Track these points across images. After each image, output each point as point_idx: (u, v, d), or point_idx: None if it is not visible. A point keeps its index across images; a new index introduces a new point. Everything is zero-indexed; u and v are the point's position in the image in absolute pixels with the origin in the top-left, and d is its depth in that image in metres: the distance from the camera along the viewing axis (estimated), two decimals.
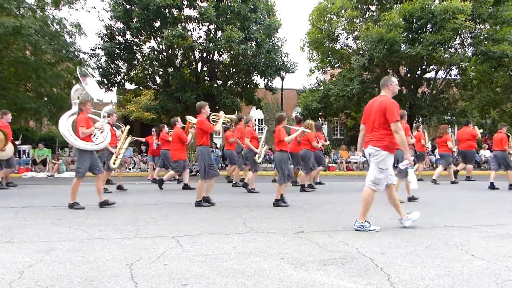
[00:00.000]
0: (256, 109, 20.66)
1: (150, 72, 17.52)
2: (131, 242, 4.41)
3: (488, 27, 17.86)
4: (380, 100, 5.11)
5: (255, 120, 24.75)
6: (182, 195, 8.71)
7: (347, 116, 23.50)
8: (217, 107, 17.64)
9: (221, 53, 16.73)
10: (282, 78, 19.27)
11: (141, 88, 19.27)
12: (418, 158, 11.55)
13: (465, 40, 17.92)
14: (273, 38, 17.69)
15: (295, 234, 4.85)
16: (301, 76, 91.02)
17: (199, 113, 7.27)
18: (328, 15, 20.13)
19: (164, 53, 17.07)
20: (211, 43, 15.43)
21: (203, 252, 3.99)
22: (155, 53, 16.95)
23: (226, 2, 15.40)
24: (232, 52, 15.41)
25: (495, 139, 10.46)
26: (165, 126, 11.63)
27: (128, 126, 10.15)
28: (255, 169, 9.69)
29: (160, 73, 17.56)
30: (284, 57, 18.14)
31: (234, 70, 17.71)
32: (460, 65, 18.74)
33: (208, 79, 17.58)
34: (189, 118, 9.29)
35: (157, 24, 15.62)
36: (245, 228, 5.19)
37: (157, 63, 16.93)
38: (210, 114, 7.72)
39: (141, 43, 16.87)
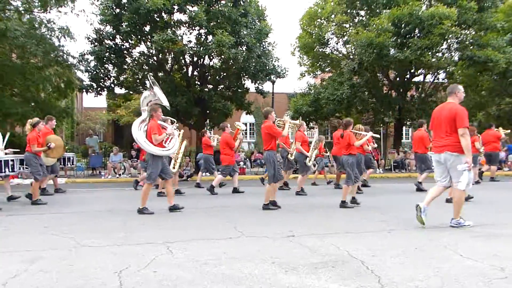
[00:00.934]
0: (247, 113, 20.68)
1: (140, 77, 17.42)
2: (120, 249, 4.39)
3: (473, 32, 18.14)
4: (450, 107, 5.37)
5: (246, 125, 24.53)
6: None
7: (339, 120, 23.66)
8: (207, 111, 17.62)
9: (211, 57, 16.71)
10: (273, 82, 19.31)
11: (131, 92, 19.17)
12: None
13: (451, 45, 18.18)
14: (263, 43, 17.72)
15: (286, 238, 4.87)
16: (292, 80, 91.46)
17: (266, 118, 7.39)
18: (319, 20, 20.27)
19: (154, 58, 17.00)
20: (201, 48, 15.41)
21: (194, 258, 3.98)
22: (145, 57, 16.87)
23: (216, 6, 15.40)
24: (223, 56, 15.40)
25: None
26: (207, 131, 12.00)
27: (182, 130, 10.11)
28: (305, 172, 9.93)
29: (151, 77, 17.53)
30: (275, 61, 18.19)
31: (224, 74, 17.69)
32: (447, 69, 19.01)
33: (198, 83, 17.54)
34: (239, 124, 9.55)
35: (147, 28, 15.55)
36: (236, 233, 5.19)
37: (147, 68, 16.83)
38: (276, 119, 7.86)
39: (131, 47, 16.78)
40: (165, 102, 7.30)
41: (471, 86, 20.73)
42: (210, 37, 15.72)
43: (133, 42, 16.53)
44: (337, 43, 20.95)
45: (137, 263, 3.78)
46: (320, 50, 20.84)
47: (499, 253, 4.04)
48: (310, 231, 5.27)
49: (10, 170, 8.36)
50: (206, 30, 15.61)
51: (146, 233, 5.24)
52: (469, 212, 6.95)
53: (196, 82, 17.76)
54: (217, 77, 18.04)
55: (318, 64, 21.89)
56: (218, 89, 18.04)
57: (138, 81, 17.63)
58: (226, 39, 14.18)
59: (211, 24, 15.35)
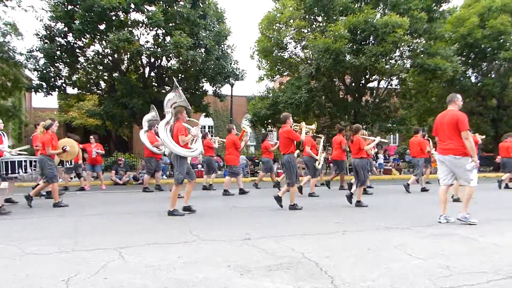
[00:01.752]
0: (205, 116, 20.50)
1: (94, 77, 16.83)
2: (69, 255, 4.19)
3: (424, 41, 19.00)
4: (452, 114, 5.96)
5: (204, 127, 24.36)
6: (127, 205, 8.42)
7: (297, 123, 23.97)
8: (164, 113, 17.30)
9: (169, 58, 16.47)
10: (232, 85, 19.32)
11: (85, 93, 18.49)
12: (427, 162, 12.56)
13: (403, 52, 18.92)
14: (222, 45, 17.69)
15: (243, 241, 4.85)
16: (251, 84, 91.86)
17: (284, 123, 7.77)
18: (277, 24, 20.48)
19: (110, 57, 16.49)
20: (159, 48, 15.14)
21: (147, 263, 3.87)
22: (100, 57, 16.32)
23: (175, 7, 15.19)
24: (181, 58, 15.21)
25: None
26: (208, 134, 12.26)
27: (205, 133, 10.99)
28: (315, 175, 10.36)
29: (105, 77, 16.93)
30: (234, 64, 18.20)
31: (183, 76, 17.47)
32: (400, 76, 19.77)
33: (156, 84, 17.22)
34: (244, 126, 10.03)
35: (102, 27, 15.09)
36: (192, 237, 5.11)
37: (101, 67, 16.30)
38: (292, 124, 8.14)
39: (85, 46, 16.19)
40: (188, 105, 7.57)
41: (421, 93, 21.71)
42: (168, 38, 15.49)
43: (86, 40, 15.95)
44: (295, 48, 21.27)
45: (86, 270, 3.62)
46: (279, 54, 21.05)
47: (444, 252, 4.22)
48: (267, 233, 5.28)
49: (24, 171, 8.33)
50: (164, 31, 15.38)
51: (97, 238, 5.05)
52: (420, 213, 7.24)
53: (153, 83, 17.42)
54: (174, 79, 17.81)
55: (276, 68, 22.10)
56: None
57: (91, 81, 17.03)
58: (184, 41, 14.03)
59: (169, 25, 15.12)
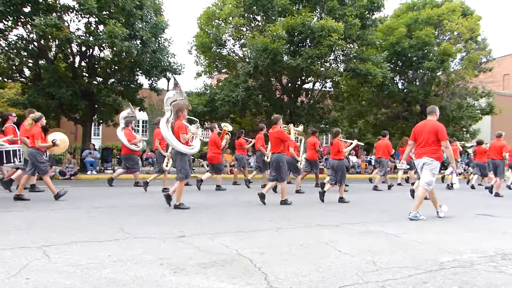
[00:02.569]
0: (140, 110, 19.80)
1: (17, 63, 15.51)
2: None
3: (357, 47, 19.95)
4: (432, 124, 6.73)
5: (139, 122, 23.58)
6: (52, 202, 7.89)
7: (232, 121, 23.97)
8: (96, 105, 16.49)
9: (102, 48, 15.64)
10: (168, 79, 18.83)
11: (6, 80, 17.01)
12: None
13: (338, 56, 19.69)
14: (159, 38, 17.18)
15: (176, 238, 4.75)
16: (189, 79, 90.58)
17: (275, 124, 8.27)
18: (216, 21, 20.34)
19: (35, 43, 15.28)
20: (91, 37, 14.31)
21: (74, 262, 3.65)
22: (24, 42, 15.06)
23: None
24: (115, 48, 14.52)
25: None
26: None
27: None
28: (298, 173, 10.84)
29: (30, 65, 15.67)
30: (171, 58, 17.76)
31: (116, 67, 16.69)
32: (334, 79, 20.51)
33: (87, 75, 16.28)
34: (226, 125, 10.34)
35: (27, 9, 13.95)
36: (123, 234, 4.90)
37: (26, 54, 15.05)
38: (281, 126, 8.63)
39: (6, 29, 14.83)
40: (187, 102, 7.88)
41: (353, 96, 22.77)
42: (101, 27, 14.72)
43: (9, 23, 14.63)
44: (234, 45, 21.29)
45: (6, 270, 3.34)
46: (217, 50, 20.95)
47: (372, 248, 4.45)
48: (202, 230, 5.22)
49: (18, 160, 8.19)
50: (97, 19, 14.57)
51: (18, 236, 4.67)
52: (350, 212, 7.57)
53: (84, 73, 16.47)
54: (108, 70, 16.96)
55: (214, 65, 21.96)
56: (109, 83, 16.96)
57: (14, 67, 15.71)
58: (119, 31, 13.42)
59: (103, 13, 14.37)
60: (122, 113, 11.94)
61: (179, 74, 17.93)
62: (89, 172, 15.15)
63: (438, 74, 23.31)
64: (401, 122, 24.58)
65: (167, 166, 10.44)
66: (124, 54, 14.87)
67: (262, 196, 7.98)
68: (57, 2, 14.39)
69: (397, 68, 23.39)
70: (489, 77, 25.44)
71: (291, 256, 4.04)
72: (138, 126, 29.39)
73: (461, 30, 22.08)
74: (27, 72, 16.37)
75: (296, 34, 17.71)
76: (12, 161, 8.07)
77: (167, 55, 17.26)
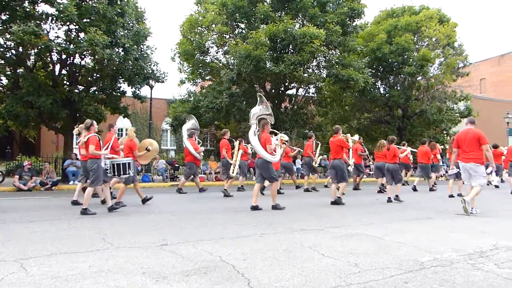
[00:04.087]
0: (124, 117, 19.63)
1: None
2: None
3: (338, 53, 20.23)
4: (474, 132, 7.76)
5: (122, 130, 23.39)
6: (31, 212, 7.74)
7: (217, 128, 24.01)
8: (77, 114, 16.27)
9: (83, 56, 15.48)
10: (151, 87, 18.78)
11: None
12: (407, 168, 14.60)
13: (320, 62, 19.93)
14: (142, 46, 17.11)
15: (159, 247, 4.70)
16: (172, 86, 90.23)
17: (336, 134, 9.66)
18: (199, 28, 20.39)
19: (13, 51, 15.04)
20: (71, 45, 14.16)
21: (53, 274, 3.58)
22: (1, 49, 14.80)
23: (89, 2, 14.34)
24: (96, 56, 14.38)
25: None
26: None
27: (239, 139, 12.50)
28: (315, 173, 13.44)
29: (8, 73, 15.40)
30: (154, 66, 17.70)
31: (98, 75, 16.55)
32: (317, 85, 20.78)
33: (67, 83, 16.07)
34: (282, 136, 10.60)
35: (4, 17, 13.72)
36: (105, 244, 4.83)
37: (3, 62, 14.78)
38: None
39: None
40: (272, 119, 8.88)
41: (336, 101, 23.03)
42: (82, 35, 14.58)
43: None
44: (217, 53, 21.36)
45: None
46: (201, 58, 20.97)
47: (354, 251, 4.48)
48: (185, 238, 5.18)
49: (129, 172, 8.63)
50: (77, 27, 14.43)
51: None
52: (333, 215, 7.62)
53: (65, 82, 16.26)
54: (89, 78, 16.78)
55: (198, 72, 21.98)
56: (90, 91, 16.77)
57: None
58: (100, 38, 13.30)
59: (83, 20, 14.24)
60: (186, 124, 13.16)
61: (162, 82, 17.88)
62: (71, 182, 14.89)
63: (418, 78, 23.81)
64: (383, 126, 24.93)
65: (233, 172, 11.72)
66: (105, 62, 14.74)
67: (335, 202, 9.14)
68: (36, 9, 14.19)
69: (379, 74, 23.78)
70: (467, 81, 26.10)
71: (274, 261, 4.04)
72: (121, 135, 29.11)
73: (439, 36, 22.62)
74: (4, 80, 16.07)
75: (278, 41, 17.86)
76: (127, 173, 8.54)
77: (149, 63, 17.20)
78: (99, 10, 13.89)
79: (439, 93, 23.86)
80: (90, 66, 16.13)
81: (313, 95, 22.52)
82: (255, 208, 8.07)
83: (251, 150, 12.60)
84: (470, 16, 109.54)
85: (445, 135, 24.76)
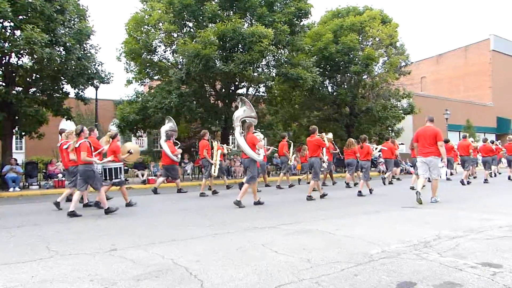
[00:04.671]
0: (67, 120, 18.70)
1: None
2: None
3: (287, 52, 20.50)
4: (432, 129, 8.66)
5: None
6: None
7: None
8: (16, 117, 15.31)
9: (20, 55, 14.57)
10: (96, 88, 18.04)
11: None
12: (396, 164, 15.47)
13: (269, 62, 20.07)
14: (85, 45, 16.38)
15: (108, 252, 4.52)
16: (119, 87, 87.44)
17: (313, 133, 10.06)
18: (146, 26, 19.84)
19: None
20: (6, 43, 13.29)
21: None
22: None
23: None
24: (35, 55, 13.58)
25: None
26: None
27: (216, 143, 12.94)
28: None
29: None
30: (98, 65, 17.01)
31: (38, 76, 15.63)
32: (266, 84, 20.92)
33: (3, 84, 15.06)
34: (258, 134, 11.35)
35: None
36: (49, 253, 4.58)
37: None
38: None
39: None
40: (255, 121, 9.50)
41: (286, 100, 23.33)
42: (18, 32, 13.71)
43: None
44: (165, 52, 20.89)
45: None
46: (148, 57, 20.42)
47: (306, 247, 4.55)
48: (135, 242, 5.02)
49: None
50: (12, 24, 13.55)
51: None
52: (286, 212, 7.70)
53: (1, 83, 15.24)
54: (28, 79, 15.82)
55: (146, 72, 21.37)
56: (30, 93, 15.83)
57: None
58: (38, 36, 12.57)
59: (19, 17, 13.40)
60: (164, 126, 13.51)
61: (108, 82, 17.24)
62: (11, 189, 14.00)
63: (363, 77, 24.65)
64: (332, 123, 25.59)
65: (214, 172, 12.26)
66: (45, 61, 13.95)
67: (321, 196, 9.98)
68: None
69: (326, 72, 24.36)
70: (409, 79, 27.43)
71: (227, 261, 4.02)
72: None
73: (382, 36, 23.58)
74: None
75: (227, 40, 17.79)
76: (119, 177, 9.13)
77: (94, 63, 16.50)
78: (36, 7, 13.10)
79: (384, 91, 24.86)
80: (28, 66, 15.21)
81: (263, 94, 22.67)
82: (258, 203, 8.84)
83: (227, 151, 13.56)
84: (411, 17, 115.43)
85: (390, 131, 25.85)
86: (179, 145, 13.14)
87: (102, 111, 24.82)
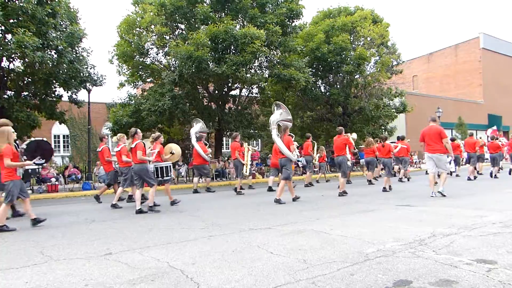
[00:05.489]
0: (60, 123, 18.58)
1: None
2: None
3: (279, 53, 20.53)
4: (436, 127, 9.43)
5: (59, 137, 22.35)
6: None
7: (161, 131, 23.41)
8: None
9: (11, 59, 14.46)
10: (89, 91, 17.94)
11: None
12: (402, 162, 15.44)
13: (262, 63, 20.09)
14: (77, 48, 16.31)
15: (102, 256, 4.50)
16: (112, 90, 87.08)
17: (340, 134, 11.03)
18: (138, 29, 19.76)
19: None
20: None
21: None
22: None
23: (16, 1, 13.41)
24: (26, 59, 13.50)
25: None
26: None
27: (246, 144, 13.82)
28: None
29: None
30: (91, 68, 16.93)
31: (29, 79, 15.54)
32: (259, 85, 20.90)
33: None
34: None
35: None
36: (43, 258, 4.55)
37: None
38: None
39: None
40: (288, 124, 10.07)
41: (279, 101, 23.31)
42: (9, 36, 13.62)
43: None
44: (157, 54, 20.83)
45: None
46: (140, 59, 20.35)
47: (302, 247, 4.56)
48: (130, 246, 4.99)
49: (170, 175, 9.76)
50: (3, 28, 13.46)
51: None
52: (280, 213, 7.70)
53: None
54: (19, 83, 15.71)
55: (138, 74, 21.30)
56: (22, 96, 15.71)
57: None
58: (30, 40, 12.50)
59: (10, 21, 13.31)
60: (194, 128, 13.78)
61: (100, 85, 17.16)
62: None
63: (356, 77, 24.75)
64: (325, 123, 25.65)
65: (246, 172, 13.20)
66: (37, 65, 13.87)
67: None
68: None
69: (319, 73, 24.43)
70: (401, 78, 27.59)
71: (223, 263, 4.01)
72: (58, 142, 27.59)
73: (373, 36, 23.68)
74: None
75: (219, 41, 17.77)
76: (169, 175, 9.64)
77: (86, 66, 16.44)
78: (28, 11, 13.04)
79: (376, 90, 24.96)
80: (20, 70, 15.11)
81: (256, 95, 22.66)
82: (277, 201, 9.19)
83: (253, 151, 14.62)
84: (401, 17, 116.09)
85: (383, 130, 25.95)
86: (208, 145, 13.90)
87: (95, 114, 24.73)
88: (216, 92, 20.93)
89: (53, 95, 16.56)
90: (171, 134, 22.41)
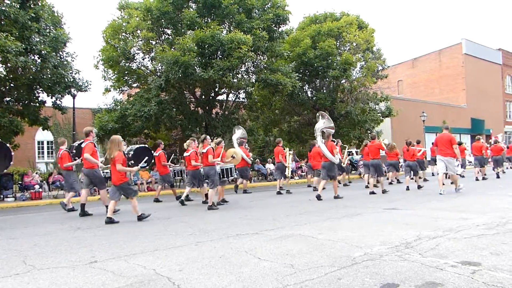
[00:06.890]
0: (43, 129, 18.30)
1: None
2: None
3: (266, 59, 20.60)
4: (447, 134, 11.08)
5: (43, 143, 22.03)
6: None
7: (147, 137, 23.25)
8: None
9: None
10: (74, 96, 17.72)
11: None
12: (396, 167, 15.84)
13: (249, 68, 20.15)
14: (61, 53, 16.12)
15: (88, 264, 4.42)
16: (97, 95, 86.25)
17: (373, 139, 12.49)
18: (123, 34, 19.64)
19: None
20: None
21: None
22: None
23: None
24: (8, 64, 13.30)
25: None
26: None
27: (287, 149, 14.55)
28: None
29: None
30: (75, 73, 16.74)
31: (12, 85, 15.31)
32: (246, 90, 20.95)
33: None
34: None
35: None
36: (26, 267, 4.44)
37: None
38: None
39: None
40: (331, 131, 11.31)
41: (266, 105, 23.41)
42: None
43: None
44: (143, 59, 20.71)
45: None
46: (126, 64, 20.19)
47: (289, 252, 4.55)
48: (115, 253, 4.92)
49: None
50: None
51: None
52: (267, 218, 7.68)
53: None
54: (2, 88, 15.45)
55: (124, 79, 21.13)
56: (4, 102, 15.45)
57: None
58: (12, 45, 12.32)
59: None
60: (236, 134, 14.85)
61: (85, 90, 16.97)
62: None
63: (342, 82, 24.96)
64: (312, 128, 25.72)
65: (288, 174, 14.19)
66: (20, 70, 13.66)
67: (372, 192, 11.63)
68: None
69: (305, 77, 24.55)
70: (386, 83, 27.89)
71: (211, 269, 3.97)
72: (42, 148, 27.16)
73: (358, 41, 23.93)
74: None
75: (206, 46, 17.75)
76: (233, 175, 11.36)
77: (70, 71, 16.25)
78: (10, 15, 12.86)
79: (362, 95, 25.18)
80: (2, 75, 14.86)
81: (243, 100, 22.68)
82: (318, 197, 10.43)
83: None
84: (386, 23, 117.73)
85: (369, 134, 26.15)
86: (248, 149, 15.03)
87: (80, 120, 24.41)
88: (203, 97, 20.88)
89: (37, 100, 16.31)
90: (157, 139, 22.24)
